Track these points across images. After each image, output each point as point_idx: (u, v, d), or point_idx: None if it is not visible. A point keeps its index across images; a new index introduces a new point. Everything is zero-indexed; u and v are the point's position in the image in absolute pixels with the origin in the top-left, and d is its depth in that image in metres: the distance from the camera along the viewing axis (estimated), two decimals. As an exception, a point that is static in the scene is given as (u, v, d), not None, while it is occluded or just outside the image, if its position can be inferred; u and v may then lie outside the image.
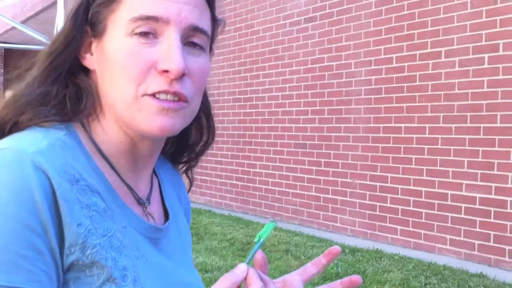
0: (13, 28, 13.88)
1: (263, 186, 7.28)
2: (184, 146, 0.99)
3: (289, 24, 6.95)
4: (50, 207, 0.69)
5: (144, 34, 0.76)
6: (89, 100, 0.82)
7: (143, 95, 0.76)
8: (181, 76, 0.76)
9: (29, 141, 0.73)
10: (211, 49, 0.87)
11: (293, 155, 6.82)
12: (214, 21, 0.86)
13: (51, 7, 12.65)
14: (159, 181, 0.96)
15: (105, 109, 0.82)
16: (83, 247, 0.71)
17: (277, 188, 7.05)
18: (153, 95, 0.76)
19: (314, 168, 6.50)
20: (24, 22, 13.75)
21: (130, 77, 0.76)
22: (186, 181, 1.04)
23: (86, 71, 0.84)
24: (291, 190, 6.83)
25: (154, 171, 0.94)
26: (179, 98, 0.78)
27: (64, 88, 0.82)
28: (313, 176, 6.52)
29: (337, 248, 0.83)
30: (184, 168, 1.02)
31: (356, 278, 0.83)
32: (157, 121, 0.77)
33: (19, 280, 0.65)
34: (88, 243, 0.72)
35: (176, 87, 0.77)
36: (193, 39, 0.79)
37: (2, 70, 18.36)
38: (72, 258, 0.71)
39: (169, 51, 0.76)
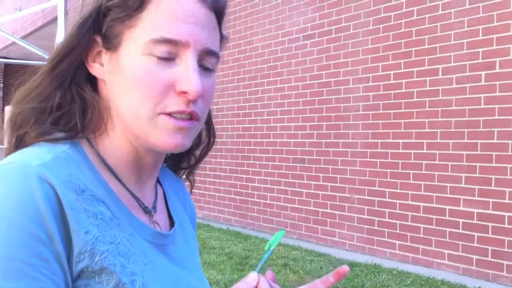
0: (13, 43, 13.93)
1: (262, 201, 7.31)
2: (184, 152, 0.99)
3: (287, 41, 7.03)
4: (56, 217, 0.71)
5: (164, 59, 0.78)
6: (95, 115, 0.83)
7: (160, 113, 0.79)
8: (198, 97, 0.79)
9: (34, 155, 0.75)
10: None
11: (291, 169, 6.86)
12: (221, 39, 0.89)
13: (52, 23, 12.73)
14: (163, 189, 0.98)
15: (114, 120, 0.84)
16: (92, 253, 0.73)
17: (275, 203, 7.07)
18: (169, 114, 0.79)
19: (313, 182, 6.54)
20: (24, 37, 13.82)
21: (148, 95, 0.78)
22: (187, 184, 1.07)
23: (93, 81, 0.85)
24: (289, 205, 6.86)
25: (158, 180, 0.96)
26: (192, 116, 0.80)
27: (70, 100, 0.83)
28: (312, 191, 6.55)
29: (345, 268, 0.81)
30: (186, 172, 1.05)
31: (342, 268, 0.82)
32: (173, 139, 0.80)
33: None
34: (96, 250, 0.73)
35: (192, 107, 0.80)
36: (206, 63, 0.82)
37: (1, 85, 18.39)
38: (81, 265, 0.72)
39: (188, 73, 0.78)
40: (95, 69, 0.84)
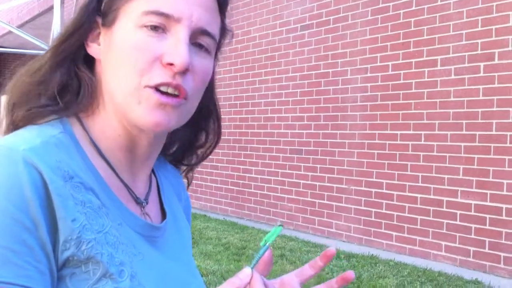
0: (10, 32, 13.84)
1: (259, 191, 7.30)
2: (188, 150, 1.00)
3: (285, 31, 6.99)
4: (42, 203, 0.69)
5: (154, 28, 0.77)
6: (87, 92, 0.82)
7: (145, 86, 0.77)
8: (184, 71, 0.77)
9: (22, 139, 0.73)
10: (216, 55, 0.88)
11: (288, 160, 6.84)
12: (223, 29, 0.88)
13: (48, 12, 12.64)
14: (157, 180, 0.96)
15: (105, 100, 0.82)
16: (78, 242, 0.71)
17: (272, 194, 7.07)
18: (155, 87, 0.77)
19: (310, 173, 6.53)
20: (20, 26, 13.74)
21: (135, 68, 0.77)
22: (184, 180, 1.05)
23: (89, 62, 0.85)
24: (286, 196, 6.85)
25: (152, 171, 0.94)
26: (180, 92, 0.78)
27: (67, 78, 0.82)
28: (309, 182, 6.54)
29: (332, 250, 0.81)
30: (187, 169, 1.03)
31: (348, 274, 0.80)
32: (154, 115, 0.78)
33: (8, 275, 0.65)
34: (83, 238, 0.71)
35: (178, 81, 0.78)
36: (200, 41, 0.81)
37: (-3, 74, 18.31)
38: (67, 254, 0.70)
39: (176, 45, 0.77)
40: (92, 48, 0.84)
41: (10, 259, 0.65)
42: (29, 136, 0.75)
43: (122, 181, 0.84)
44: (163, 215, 0.92)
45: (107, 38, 0.82)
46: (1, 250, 0.65)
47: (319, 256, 0.82)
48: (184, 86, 0.78)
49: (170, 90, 0.78)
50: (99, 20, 0.83)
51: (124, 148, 0.84)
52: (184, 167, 1.03)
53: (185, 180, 1.04)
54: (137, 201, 0.86)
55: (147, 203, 0.88)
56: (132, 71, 0.77)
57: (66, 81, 0.82)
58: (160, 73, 0.77)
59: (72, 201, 0.72)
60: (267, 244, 0.78)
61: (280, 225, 0.79)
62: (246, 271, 0.73)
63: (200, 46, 0.81)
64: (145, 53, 0.77)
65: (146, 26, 0.77)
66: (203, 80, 0.83)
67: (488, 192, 4.77)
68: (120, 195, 0.83)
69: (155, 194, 0.93)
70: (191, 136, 0.98)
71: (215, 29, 0.83)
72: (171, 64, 0.77)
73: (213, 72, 0.89)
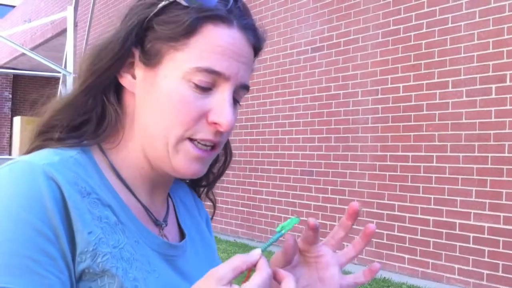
0: (23, 54, 14.04)
1: (269, 213, 7.27)
2: None
3: (296, 53, 7.03)
4: (61, 215, 0.71)
5: (204, 89, 0.79)
6: (110, 125, 0.83)
7: (187, 138, 0.80)
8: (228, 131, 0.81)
9: (41, 156, 0.76)
10: None
11: (299, 182, 6.83)
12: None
13: (61, 34, 12.82)
14: (173, 202, 0.97)
15: (136, 134, 0.83)
16: (94, 254, 0.72)
17: (283, 215, 7.04)
18: (196, 140, 0.80)
19: (321, 195, 6.51)
20: (33, 49, 13.92)
21: (181, 121, 0.79)
22: (209, 204, 1.06)
23: (118, 88, 0.85)
24: (297, 218, 6.81)
25: (168, 193, 0.96)
26: (214, 146, 0.83)
27: (93, 108, 0.83)
28: (320, 203, 6.52)
29: (371, 226, 0.84)
30: (204, 191, 1.04)
31: (375, 265, 0.84)
32: (192, 167, 0.82)
33: (31, 284, 0.65)
34: (98, 251, 0.73)
35: (219, 138, 0.82)
36: (237, 96, 0.84)
37: (10, 96, 18.50)
38: (83, 266, 0.71)
39: (222, 106, 0.79)
40: (126, 80, 0.84)
41: (33, 268, 0.66)
42: (47, 154, 0.77)
43: (140, 202, 0.85)
44: (182, 235, 0.94)
45: (149, 79, 0.82)
46: (24, 260, 0.66)
47: (345, 216, 0.85)
48: (221, 141, 0.83)
49: (208, 144, 0.81)
50: (136, 52, 0.82)
51: (145, 178, 0.86)
52: (202, 189, 1.04)
53: (209, 203, 1.06)
54: (156, 223, 0.87)
55: (166, 225, 0.89)
56: (178, 123, 0.79)
57: (92, 111, 0.83)
58: (204, 129, 0.80)
59: (89, 215, 0.74)
60: (283, 231, 0.78)
61: (296, 217, 0.80)
62: (256, 251, 0.73)
63: (235, 101, 0.84)
64: (192, 109, 0.79)
65: (196, 84, 0.79)
66: (232, 129, 0.86)
67: (502, 214, 4.73)
68: (139, 216, 0.84)
69: (173, 215, 0.95)
70: None
71: (249, 79, 0.85)
72: (216, 123, 0.80)
73: None
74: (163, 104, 0.80)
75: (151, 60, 0.81)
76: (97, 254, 0.72)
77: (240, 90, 0.83)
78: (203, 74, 0.78)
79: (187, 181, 1.03)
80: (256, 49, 0.86)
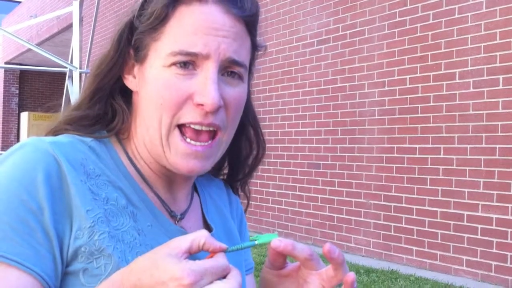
0: (29, 50, 14.08)
1: (276, 206, 7.28)
2: (238, 163, 1.00)
3: (302, 46, 7.02)
4: (54, 191, 0.73)
5: (183, 65, 0.79)
6: (120, 122, 0.86)
7: (176, 125, 0.79)
8: (216, 110, 0.79)
9: (52, 137, 0.81)
10: (250, 71, 0.90)
11: (306, 175, 6.83)
12: (254, 47, 0.89)
13: (67, 30, 12.84)
14: (200, 198, 0.96)
15: (139, 131, 0.85)
16: (91, 232, 0.74)
17: (290, 208, 7.05)
18: (185, 125, 0.79)
19: (328, 188, 6.51)
20: (39, 44, 13.95)
21: (166, 107, 0.79)
22: (243, 200, 1.06)
23: (125, 91, 0.87)
24: (304, 210, 6.83)
25: (195, 189, 0.96)
26: (214, 128, 0.81)
27: (103, 111, 0.86)
28: (327, 196, 6.52)
29: (351, 275, 0.73)
30: (240, 185, 1.04)
31: (325, 246, 0.72)
32: (185, 163, 0.80)
33: (4, 248, 0.69)
34: (96, 228, 0.74)
35: (210, 119, 0.79)
36: (232, 69, 0.82)
37: (17, 91, 18.57)
38: (79, 242, 0.73)
39: (205, 84, 0.78)
40: (129, 81, 0.86)
41: (10, 235, 0.69)
42: (60, 137, 0.82)
43: (156, 194, 0.86)
44: (208, 230, 0.92)
45: (141, 74, 0.84)
46: (2, 225, 0.70)
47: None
48: (217, 123, 0.80)
49: (204, 128, 0.80)
50: (132, 52, 0.85)
51: (157, 171, 0.86)
52: (238, 183, 1.04)
53: (243, 198, 1.05)
54: (171, 214, 0.88)
55: (182, 218, 0.89)
56: (164, 109, 0.79)
57: (103, 113, 0.87)
58: (191, 112, 0.79)
59: (91, 194, 0.76)
60: (256, 242, 0.74)
61: (276, 234, 0.77)
62: (203, 231, 0.67)
63: (233, 74, 0.82)
64: (176, 93, 0.78)
65: (175, 64, 0.79)
66: (237, 109, 0.84)
67: (510, 205, 4.71)
68: (155, 203, 0.86)
69: (198, 211, 0.94)
70: (233, 151, 0.98)
71: (243, 55, 0.83)
72: (202, 104, 0.78)
73: (249, 91, 0.91)
74: (151, 93, 0.81)
75: (140, 55, 0.83)
76: (94, 232, 0.74)
77: (232, 65, 0.81)
78: (178, 57, 0.78)
79: (224, 177, 1.03)
80: (246, 19, 0.83)
